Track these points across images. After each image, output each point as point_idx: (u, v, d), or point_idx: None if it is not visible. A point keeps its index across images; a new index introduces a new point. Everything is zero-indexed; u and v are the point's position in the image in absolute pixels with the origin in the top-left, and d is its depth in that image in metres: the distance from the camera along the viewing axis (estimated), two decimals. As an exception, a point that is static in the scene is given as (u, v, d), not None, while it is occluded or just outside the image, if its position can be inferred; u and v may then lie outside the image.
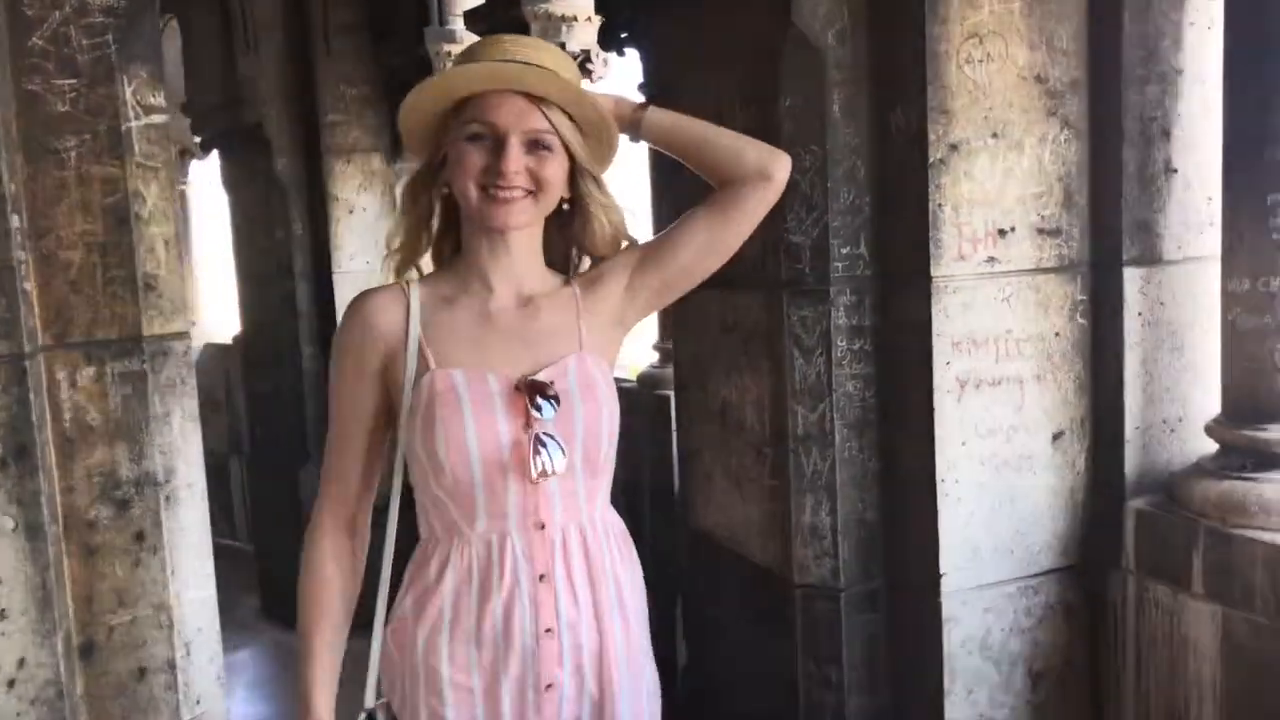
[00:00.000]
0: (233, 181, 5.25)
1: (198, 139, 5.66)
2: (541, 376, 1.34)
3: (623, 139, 1.45)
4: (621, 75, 4.21)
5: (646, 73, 3.58)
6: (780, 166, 1.43)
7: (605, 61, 4.08)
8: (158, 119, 1.98)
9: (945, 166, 2.26)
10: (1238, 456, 2.21)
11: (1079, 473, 2.44)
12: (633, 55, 3.78)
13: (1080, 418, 2.42)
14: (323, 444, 1.45)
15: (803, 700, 2.55)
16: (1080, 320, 2.40)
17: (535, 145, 1.34)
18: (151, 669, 2.00)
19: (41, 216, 1.91)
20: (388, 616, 1.40)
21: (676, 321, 3.09)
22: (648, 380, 3.96)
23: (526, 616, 1.33)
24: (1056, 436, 2.41)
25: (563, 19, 4.09)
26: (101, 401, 1.95)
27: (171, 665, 2.02)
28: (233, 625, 4.19)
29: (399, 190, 4.39)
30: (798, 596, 2.51)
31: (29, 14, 1.88)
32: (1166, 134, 2.35)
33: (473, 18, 4.28)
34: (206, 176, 6.43)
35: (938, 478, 2.31)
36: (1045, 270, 2.36)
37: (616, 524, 1.45)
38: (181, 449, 2.05)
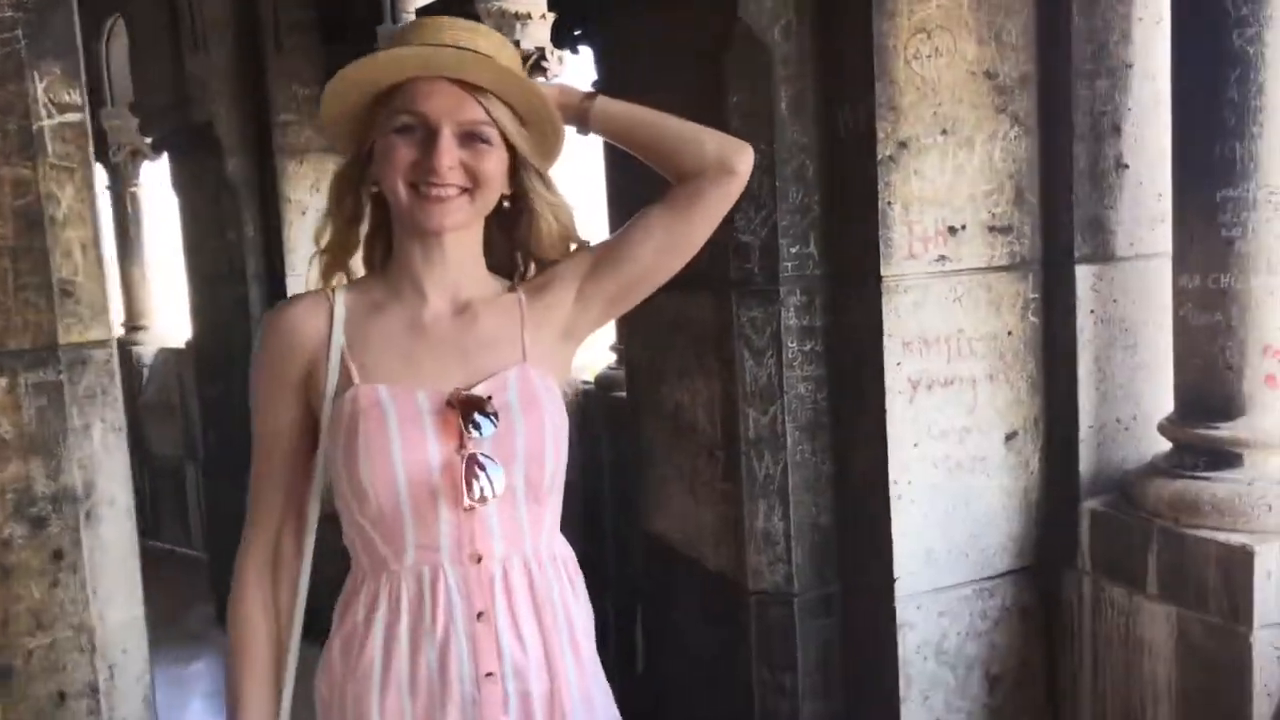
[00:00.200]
0: (182, 182, 5.14)
1: (148, 140, 5.54)
2: (478, 390, 1.22)
3: (570, 131, 1.34)
4: (576, 73, 4.16)
5: (600, 70, 3.53)
6: (743, 159, 1.32)
7: (560, 59, 4.03)
8: (73, 117, 1.89)
9: (894, 164, 2.22)
10: (1191, 455, 2.19)
11: (1033, 473, 2.41)
12: (586, 53, 3.72)
13: (1034, 417, 2.40)
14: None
15: (758, 706, 2.52)
16: (1033, 319, 2.37)
17: (471, 138, 1.22)
18: (72, 693, 1.92)
19: (-54, 221, 1.82)
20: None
21: (627, 323, 3.03)
22: (605, 382, 3.89)
23: (464, 660, 1.21)
24: (1010, 437, 2.38)
25: (516, 16, 4.04)
26: (14, 414, 1.86)
27: (94, 689, 1.94)
28: (186, 636, 3.85)
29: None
30: (752, 603, 2.48)
31: (-69, 8, 1.80)
32: (1117, 130, 2.33)
33: (425, 15, 4.21)
34: (159, 178, 6.31)
35: (890, 480, 2.28)
36: (997, 268, 2.33)
37: (566, 554, 1.33)
38: (104, 463, 1.96)
